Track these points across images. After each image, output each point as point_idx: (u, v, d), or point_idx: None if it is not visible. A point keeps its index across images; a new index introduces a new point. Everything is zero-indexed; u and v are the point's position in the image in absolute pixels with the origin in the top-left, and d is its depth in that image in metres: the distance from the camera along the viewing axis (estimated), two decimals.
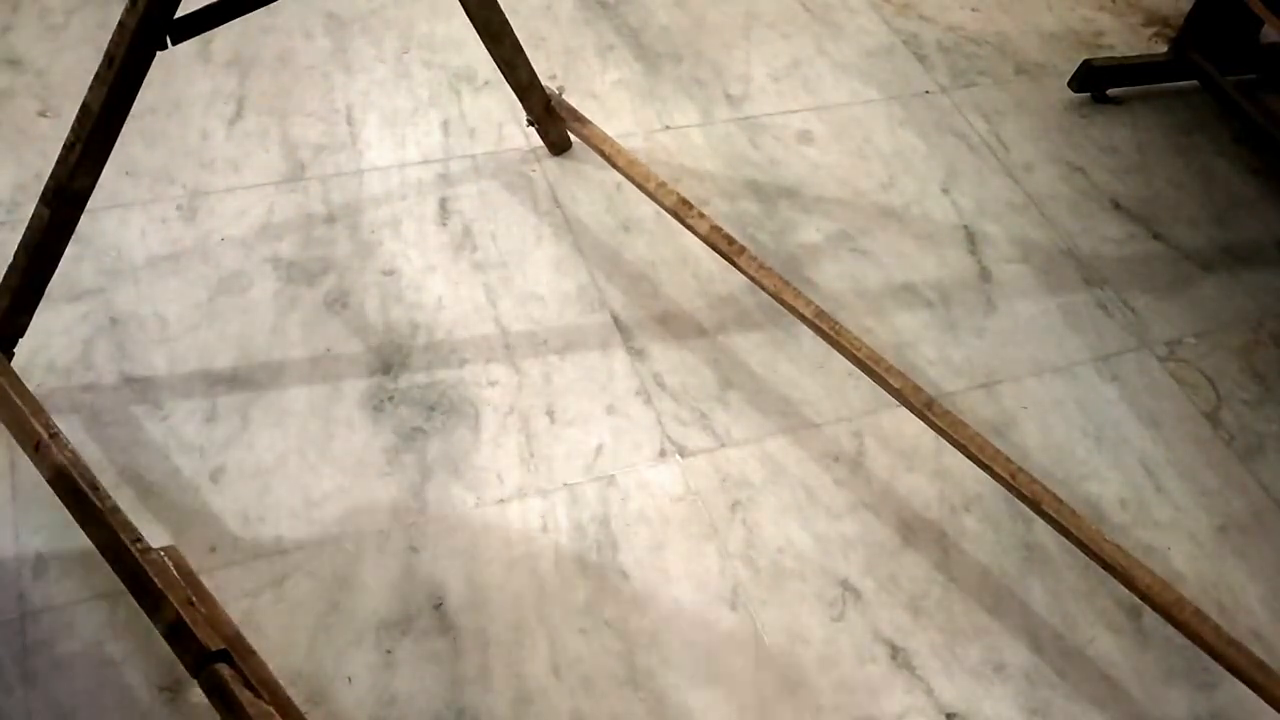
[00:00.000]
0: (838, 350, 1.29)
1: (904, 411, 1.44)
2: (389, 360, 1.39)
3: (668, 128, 1.74)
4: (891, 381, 1.25)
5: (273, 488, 1.26)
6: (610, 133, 1.71)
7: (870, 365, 1.26)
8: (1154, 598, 1.12)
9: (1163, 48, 2.06)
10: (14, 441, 1.25)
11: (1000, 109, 1.90)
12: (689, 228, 1.38)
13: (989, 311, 1.58)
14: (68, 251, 1.42)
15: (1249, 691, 1.25)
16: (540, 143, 1.65)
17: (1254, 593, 1.33)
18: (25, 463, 1.23)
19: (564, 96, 1.56)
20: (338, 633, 1.13)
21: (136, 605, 1.14)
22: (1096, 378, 1.53)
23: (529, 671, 1.16)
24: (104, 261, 1.44)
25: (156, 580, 0.99)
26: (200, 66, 1.69)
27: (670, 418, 1.39)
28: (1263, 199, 1.85)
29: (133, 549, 1.01)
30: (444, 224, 1.55)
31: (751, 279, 1.33)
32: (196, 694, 1.10)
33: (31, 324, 1.35)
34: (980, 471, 1.39)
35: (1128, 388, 1.53)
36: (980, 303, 1.59)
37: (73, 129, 1.09)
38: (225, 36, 1.74)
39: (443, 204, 1.57)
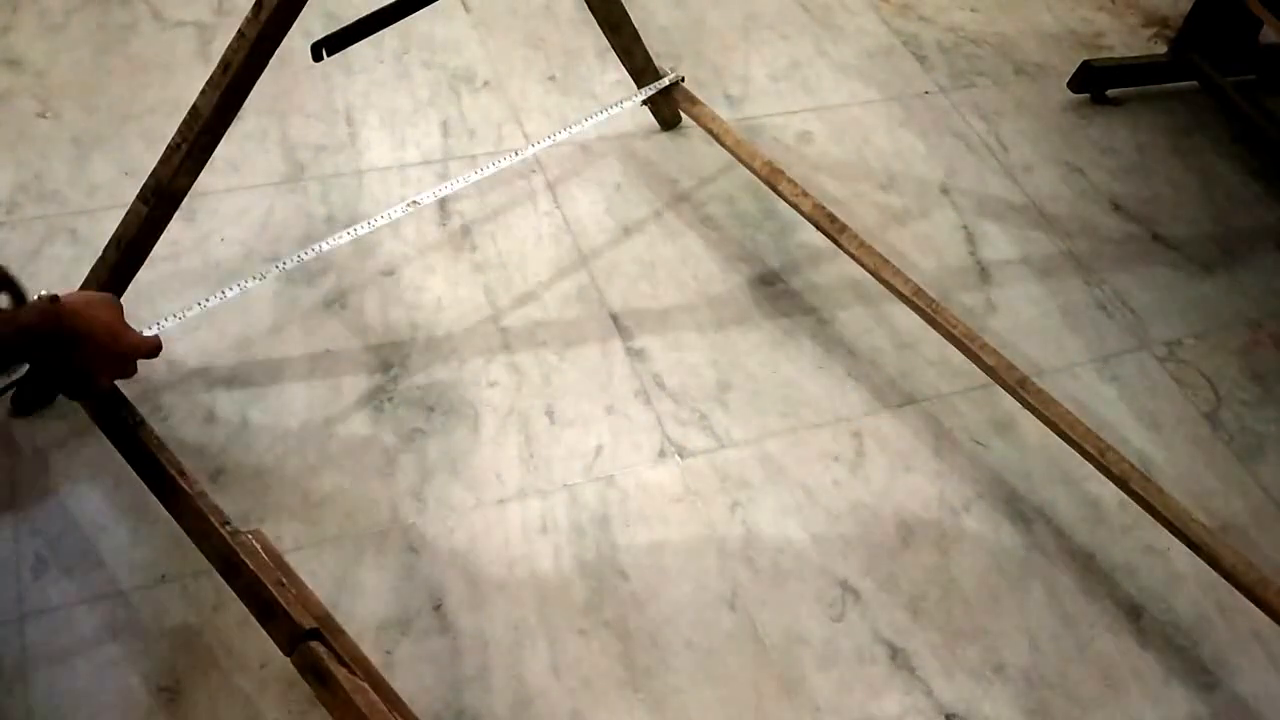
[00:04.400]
0: (935, 328, 1.35)
1: (903, 412, 1.44)
2: (388, 360, 1.39)
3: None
4: (985, 359, 1.30)
5: (272, 488, 1.26)
6: (609, 134, 1.72)
7: (965, 342, 1.31)
8: (1238, 578, 1.15)
9: (1162, 48, 2.07)
10: (14, 436, 1.25)
11: (1000, 110, 1.90)
12: (793, 205, 1.46)
13: (989, 312, 1.58)
14: (65, 253, 1.43)
15: (1248, 692, 1.26)
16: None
17: None
18: (25, 462, 1.23)
19: (672, 73, 1.62)
20: None
21: (128, 612, 1.14)
22: (1096, 378, 1.53)
23: (529, 672, 1.16)
24: None
25: (248, 561, 0.99)
26: (200, 67, 1.69)
27: (670, 418, 1.39)
28: (1262, 199, 1.85)
29: (222, 531, 1.01)
30: (443, 224, 1.55)
31: (851, 256, 1.40)
32: (196, 695, 1.10)
33: None
34: (979, 471, 1.40)
35: (1127, 388, 1.53)
36: (980, 303, 1.59)
37: (179, 131, 1.11)
38: (225, 36, 1.73)
39: (442, 204, 1.57)
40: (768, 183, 1.47)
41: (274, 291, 1.43)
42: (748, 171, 1.53)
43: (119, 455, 1.25)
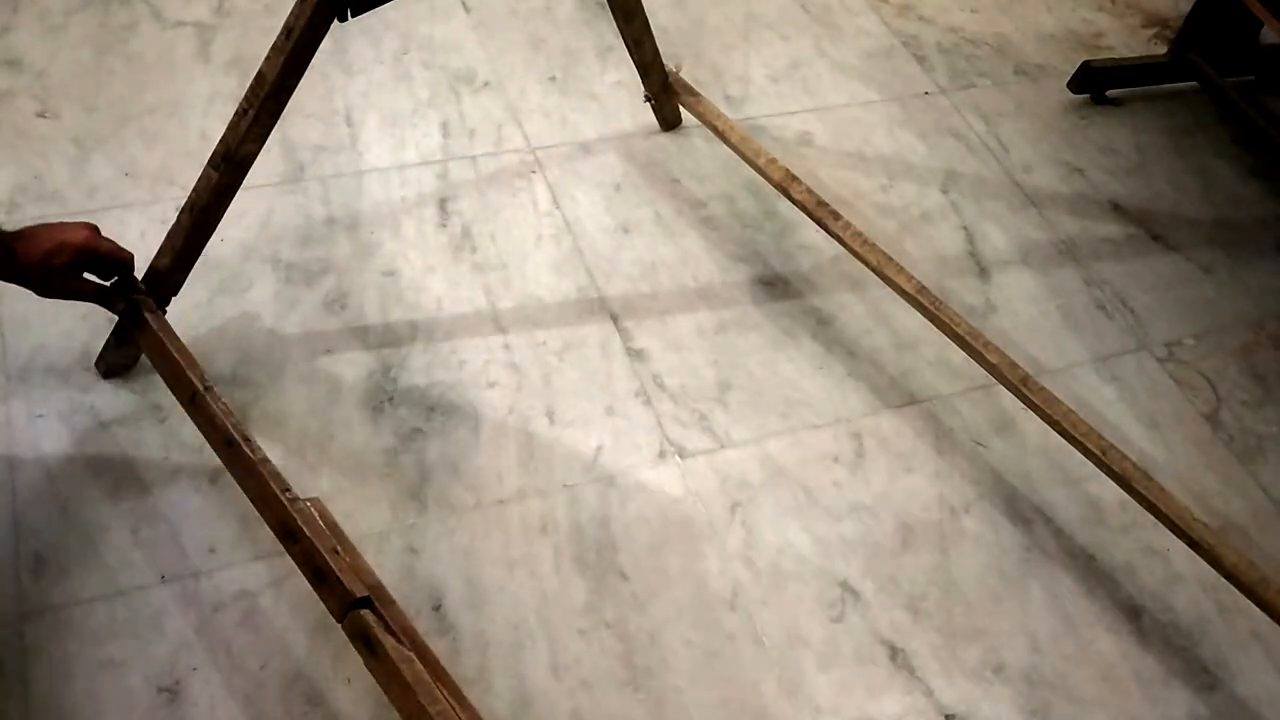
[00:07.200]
0: (937, 326, 1.33)
1: (903, 413, 1.44)
2: (388, 361, 1.39)
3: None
4: (988, 357, 1.29)
5: None
6: (609, 134, 1.72)
7: (969, 340, 1.30)
8: (1238, 577, 1.15)
9: (1162, 49, 2.07)
10: (14, 436, 1.25)
11: (1000, 110, 1.90)
12: (796, 202, 1.44)
13: (989, 312, 1.58)
14: None
15: (1248, 693, 1.26)
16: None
17: None
18: (25, 462, 1.23)
19: (680, 74, 1.61)
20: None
21: (128, 612, 1.14)
22: (1096, 379, 1.53)
23: (528, 673, 1.16)
24: None
25: (305, 528, 1.00)
26: (200, 66, 1.69)
27: (670, 419, 1.39)
28: (1262, 200, 1.85)
29: (282, 498, 1.02)
30: (443, 225, 1.55)
31: (855, 254, 1.39)
32: (195, 696, 1.10)
33: (31, 326, 1.35)
34: (979, 472, 1.40)
35: (1127, 389, 1.53)
36: (980, 303, 1.59)
37: (246, 97, 1.11)
38: (225, 36, 1.74)
39: (442, 205, 1.57)
40: (772, 180, 1.47)
41: (274, 292, 1.44)
42: (748, 171, 1.53)
43: (117, 455, 1.26)
